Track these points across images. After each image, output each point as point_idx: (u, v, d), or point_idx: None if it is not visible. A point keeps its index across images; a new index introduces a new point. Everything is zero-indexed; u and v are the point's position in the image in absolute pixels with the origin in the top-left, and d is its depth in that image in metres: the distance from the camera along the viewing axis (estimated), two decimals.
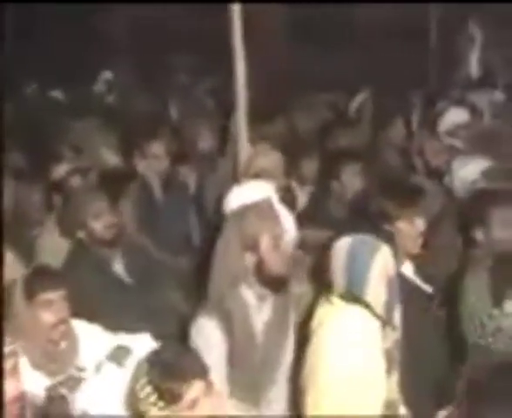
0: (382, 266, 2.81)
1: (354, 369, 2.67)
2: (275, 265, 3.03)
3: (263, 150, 4.55)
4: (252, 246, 3.05)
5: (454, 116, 5.93)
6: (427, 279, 3.63)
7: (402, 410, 3.01)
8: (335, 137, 6.04)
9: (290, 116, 7.08)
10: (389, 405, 2.78)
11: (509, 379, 2.08)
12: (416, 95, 8.47)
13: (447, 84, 9.91)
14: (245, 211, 3.16)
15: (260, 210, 3.14)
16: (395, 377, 2.86)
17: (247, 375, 3.05)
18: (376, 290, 2.79)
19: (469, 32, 12.05)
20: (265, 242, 3.05)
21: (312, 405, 2.75)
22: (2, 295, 2.90)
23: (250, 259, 3.06)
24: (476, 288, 2.83)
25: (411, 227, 3.44)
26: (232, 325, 3.01)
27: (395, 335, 2.90)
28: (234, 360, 3.01)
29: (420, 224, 3.46)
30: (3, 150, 4.92)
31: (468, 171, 4.40)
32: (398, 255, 3.24)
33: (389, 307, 2.83)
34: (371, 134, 6.68)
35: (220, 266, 3.10)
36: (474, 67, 11.85)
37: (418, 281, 3.57)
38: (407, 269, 3.53)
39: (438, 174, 4.86)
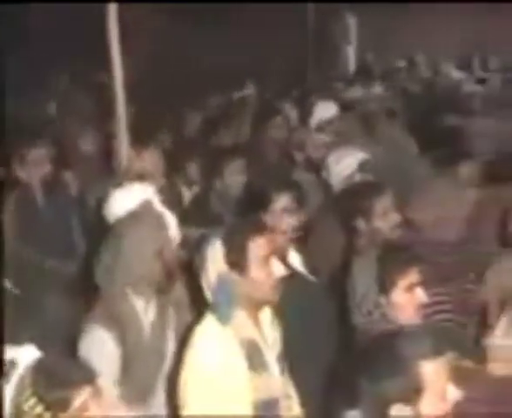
0: None
1: (212, 371, 2.70)
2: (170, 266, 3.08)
3: (143, 151, 4.53)
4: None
5: (323, 111, 6.01)
6: (312, 272, 3.72)
7: (296, 409, 3.06)
8: (219, 135, 6.07)
9: (175, 115, 7.08)
10: (267, 404, 2.81)
11: None
12: (296, 89, 8.61)
13: (324, 77, 10.08)
14: (128, 217, 3.17)
15: (142, 215, 3.15)
16: (275, 375, 2.89)
17: (138, 376, 3.07)
18: None
19: (344, 22, 12.22)
20: (150, 249, 3.06)
21: (180, 406, 2.79)
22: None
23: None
24: (364, 278, 2.89)
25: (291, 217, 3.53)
26: (124, 330, 3.01)
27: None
28: (126, 363, 3.02)
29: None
30: None
31: (345, 165, 4.53)
32: None
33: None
34: (253, 130, 6.74)
35: (114, 272, 3.09)
36: (351, 58, 12.04)
37: (305, 272, 3.66)
38: (295, 260, 3.62)
39: (318, 168, 4.98)
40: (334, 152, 4.77)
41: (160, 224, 3.16)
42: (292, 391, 3.06)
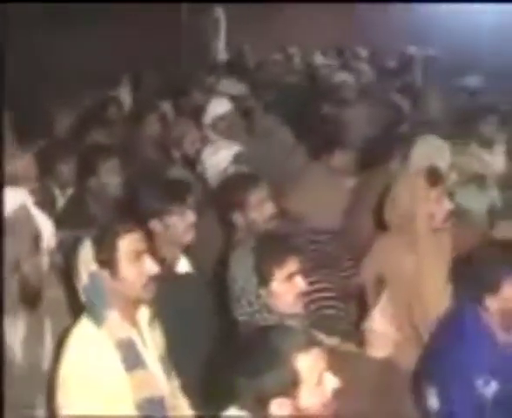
0: None
1: (88, 372, 2.68)
2: (30, 279, 2.95)
3: (14, 153, 4.39)
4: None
5: (216, 107, 5.99)
6: (194, 267, 3.70)
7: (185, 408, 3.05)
8: (93, 134, 5.95)
9: (47, 116, 6.88)
10: (150, 403, 2.78)
11: None
12: (171, 85, 8.55)
13: (198, 73, 10.04)
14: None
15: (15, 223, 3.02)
16: (157, 374, 2.87)
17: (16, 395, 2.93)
18: None
19: (215, 16, 12.18)
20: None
21: (59, 407, 2.74)
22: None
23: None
24: (242, 271, 2.88)
25: (182, 220, 3.53)
26: None
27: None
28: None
29: (190, 215, 3.56)
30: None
31: (219, 159, 4.52)
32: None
33: None
34: (129, 128, 6.66)
35: None
36: (221, 51, 11.99)
37: (187, 268, 3.64)
38: (183, 265, 3.61)
39: (194, 164, 4.97)
40: (209, 147, 4.76)
41: (31, 231, 3.03)
42: (178, 390, 3.04)
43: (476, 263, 3.25)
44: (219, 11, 12.30)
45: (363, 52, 12.30)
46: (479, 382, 3.06)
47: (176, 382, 3.03)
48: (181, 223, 3.53)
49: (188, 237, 3.57)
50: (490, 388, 3.06)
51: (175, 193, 3.59)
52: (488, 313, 3.18)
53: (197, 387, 3.16)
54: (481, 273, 3.20)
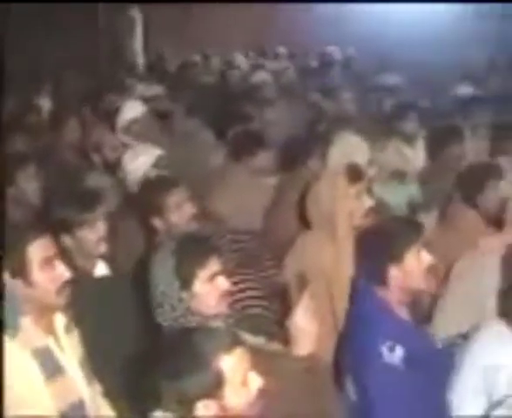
0: None
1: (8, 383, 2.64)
2: None
3: None
4: None
5: (129, 111, 5.95)
6: (116, 272, 3.67)
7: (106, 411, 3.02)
8: (12, 141, 5.85)
9: None
10: (72, 408, 2.75)
11: None
12: (89, 88, 8.45)
13: (117, 75, 9.95)
14: None
15: None
16: (77, 379, 2.85)
17: None
18: None
19: (130, 15, 12.01)
20: None
21: None
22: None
23: None
24: (163, 275, 2.86)
25: (93, 233, 3.52)
26: None
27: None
28: None
29: (101, 227, 3.55)
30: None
31: (139, 163, 4.50)
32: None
33: None
34: (49, 134, 6.56)
35: None
36: (139, 53, 11.85)
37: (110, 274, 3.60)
38: (101, 269, 3.58)
39: (115, 169, 4.92)
40: (129, 152, 4.73)
41: None
42: (99, 393, 3.00)
43: (381, 235, 3.29)
44: (135, 11, 12.17)
45: (284, 52, 12.39)
46: (384, 351, 3.10)
47: (98, 387, 2.99)
48: (92, 235, 3.53)
49: (100, 249, 3.56)
50: (396, 354, 3.10)
51: (85, 204, 3.58)
52: (388, 288, 3.23)
53: (121, 392, 3.14)
54: (386, 244, 3.24)
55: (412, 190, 5.22)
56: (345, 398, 3.23)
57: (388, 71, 9.84)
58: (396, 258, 3.21)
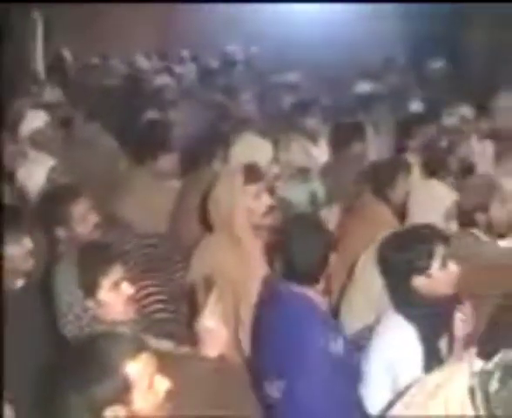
0: None
1: None
2: None
3: None
4: None
5: (32, 120, 5.81)
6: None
7: None
8: None
9: None
10: None
11: None
12: None
13: (16, 80, 9.70)
14: None
15: None
16: None
17: None
18: None
19: (31, 19, 11.73)
20: None
21: None
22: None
23: None
24: (66, 285, 2.82)
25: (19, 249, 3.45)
26: None
27: None
28: None
29: (28, 242, 3.48)
30: None
31: (36, 174, 4.42)
32: None
33: None
34: None
35: None
36: (40, 57, 11.62)
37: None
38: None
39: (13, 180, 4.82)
40: (25, 162, 4.64)
41: None
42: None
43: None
44: (35, 13, 11.92)
45: (185, 54, 12.36)
46: (329, 342, 3.15)
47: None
48: (18, 251, 3.46)
49: (27, 264, 3.49)
50: (339, 344, 3.17)
51: (9, 220, 3.48)
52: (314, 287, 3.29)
53: (32, 406, 3.07)
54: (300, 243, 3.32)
55: (314, 187, 5.29)
56: (263, 397, 3.23)
57: (290, 70, 9.94)
58: None
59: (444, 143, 5.84)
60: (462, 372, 2.46)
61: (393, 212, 4.45)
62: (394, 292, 3.33)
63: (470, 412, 2.35)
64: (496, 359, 2.30)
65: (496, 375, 2.27)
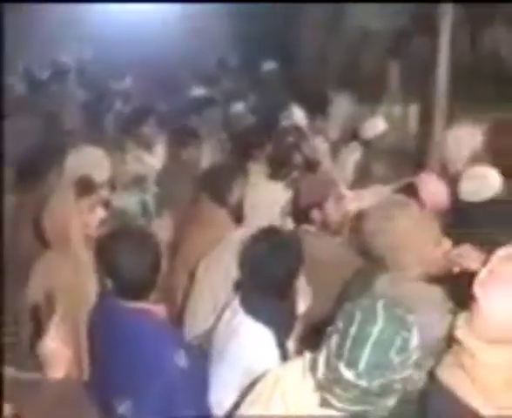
0: None
1: None
2: None
3: None
4: None
5: None
6: None
7: None
8: None
9: None
10: None
11: None
12: None
13: None
14: None
15: None
16: None
17: None
18: None
19: None
20: None
21: None
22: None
23: None
24: None
25: None
26: None
27: None
28: None
29: None
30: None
31: None
32: None
33: None
34: None
35: None
36: None
37: None
38: None
39: None
40: None
41: None
42: None
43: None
44: None
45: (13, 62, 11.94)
46: (175, 357, 3.13)
47: None
48: None
49: None
50: (183, 359, 3.15)
51: None
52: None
53: None
54: None
55: (146, 196, 5.27)
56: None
57: (123, 75, 9.84)
58: None
59: (289, 140, 5.97)
60: (297, 363, 2.58)
61: (230, 215, 4.50)
62: (249, 295, 3.36)
63: (304, 399, 2.47)
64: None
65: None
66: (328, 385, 2.40)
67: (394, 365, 2.34)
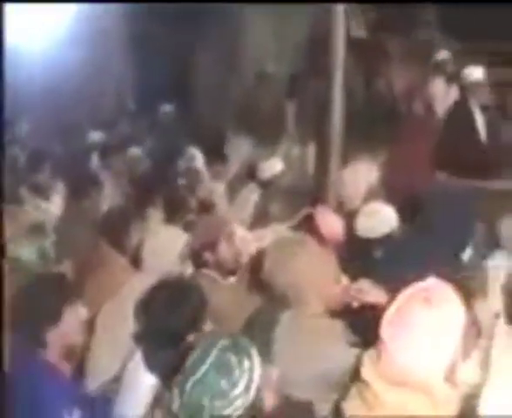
0: None
1: None
2: None
3: None
4: None
5: None
6: None
7: None
8: None
9: None
10: None
11: None
12: None
13: None
14: None
15: None
16: None
17: None
18: None
19: None
20: None
21: None
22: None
23: None
24: None
25: None
26: None
27: None
28: None
29: None
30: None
31: None
32: None
33: None
34: None
35: None
36: None
37: None
38: None
39: None
40: None
41: None
42: None
43: (33, 296, 3.23)
44: None
45: None
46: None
47: None
48: None
49: None
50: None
51: None
52: (49, 350, 3.20)
53: None
54: (40, 305, 3.20)
55: (44, 242, 5.16)
56: None
57: (20, 120, 9.65)
58: (53, 318, 3.19)
59: (184, 183, 5.98)
60: None
61: (129, 260, 4.46)
62: (147, 347, 3.30)
63: None
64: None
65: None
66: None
67: (205, 410, 2.31)
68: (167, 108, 9.62)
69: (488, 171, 6.90)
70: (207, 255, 4.11)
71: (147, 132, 9.32)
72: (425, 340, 2.36)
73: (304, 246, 3.37)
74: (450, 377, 2.40)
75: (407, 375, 2.38)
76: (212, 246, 4.11)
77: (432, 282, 2.46)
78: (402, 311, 2.42)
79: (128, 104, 11.21)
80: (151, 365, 3.21)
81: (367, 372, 2.50)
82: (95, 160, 7.34)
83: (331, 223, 4.43)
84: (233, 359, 2.35)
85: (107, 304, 3.99)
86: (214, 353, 2.35)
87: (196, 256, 4.16)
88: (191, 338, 3.17)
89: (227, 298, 3.88)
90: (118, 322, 3.78)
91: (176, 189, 5.98)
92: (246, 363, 2.36)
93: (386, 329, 2.44)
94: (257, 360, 2.39)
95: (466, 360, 2.49)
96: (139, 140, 8.54)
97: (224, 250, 4.13)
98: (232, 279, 4.16)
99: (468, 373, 2.67)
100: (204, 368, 2.33)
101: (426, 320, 2.36)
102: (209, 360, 2.34)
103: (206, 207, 5.72)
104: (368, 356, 2.53)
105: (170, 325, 3.21)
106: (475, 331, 2.93)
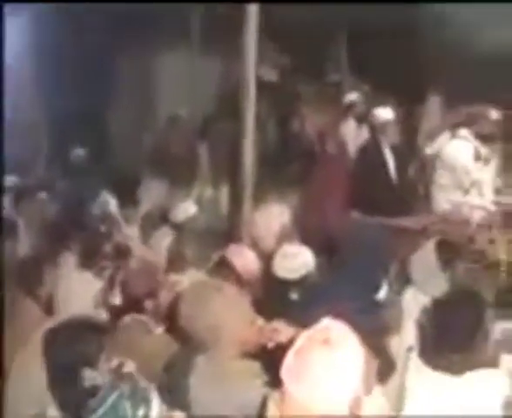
0: None
1: None
2: None
3: None
4: None
5: None
6: None
7: None
8: None
9: None
10: None
11: None
12: None
13: None
14: None
15: None
16: None
17: None
18: None
19: None
20: None
21: None
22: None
23: None
24: None
25: None
26: None
27: None
28: None
29: None
30: None
31: None
32: None
33: None
34: None
35: None
36: None
37: None
38: None
39: None
40: None
41: None
42: None
43: None
44: None
45: None
46: None
47: None
48: None
49: None
50: None
51: None
52: None
53: None
54: None
55: None
56: None
57: None
58: None
59: (100, 228, 5.93)
60: None
61: (42, 308, 4.38)
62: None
63: None
64: None
65: None
66: None
67: None
68: (80, 152, 9.51)
69: (399, 208, 7.04)
70: (147, 303, 4.10)
71: (59, 176, 9.19)
72: (325, 378, 2.35)
73: (219, 291, 3.38)
74: (355, 411, 2.40)
75: (309, 415, 2.37)
76: (153, 293, 4.10)
77: (328, 323, 2.46)
78: (302, 353, 2.41)
79: (43, 147, 11.02)
80: (60, 404, 3.15)
81: (271, 415, 2.49)
82: (8, 205, 7.19)
83: (246, 260, 4.45)
84: (128, 406, 2.37)
85: (19, 355, 3.90)
86: (112, 398, 2.37)
87: (134, 303, 4.11)
88: (87, 374, 3.12)
89: (155, 345, 3.84)
90: (31, 367, 3.70)
91: (92, 234, 5.91)
92: (142, 411, 2.38)
93: (286, 372, 2.41)
94: (156, 406, 2.41)
95: (367, 395, 2.51)
96: (50, 184, 8.41)
97: (164, 297, 4.11)
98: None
99: (377, 406, 2.71)
100: (101, 412, 2.34)
101: (325, 359, 2.36)
102: (106, 405, 2.35)
103: (123, 253, 5.67)
104: (273, 399, 2.53)
105: (64, 361, 3.15)
106: (376, 366, 2.98)
